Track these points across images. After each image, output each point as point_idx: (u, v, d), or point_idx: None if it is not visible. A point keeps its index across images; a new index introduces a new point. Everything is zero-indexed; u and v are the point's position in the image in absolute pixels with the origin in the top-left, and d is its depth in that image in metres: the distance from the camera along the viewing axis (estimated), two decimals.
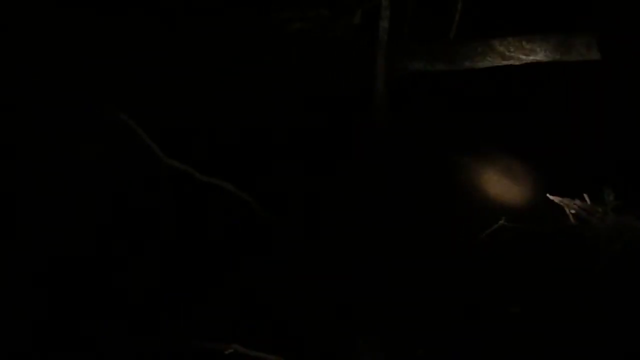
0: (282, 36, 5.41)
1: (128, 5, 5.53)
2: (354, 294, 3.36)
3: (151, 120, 4.84)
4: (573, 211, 3.96)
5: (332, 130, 5.15)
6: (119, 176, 4.25)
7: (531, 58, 5.76)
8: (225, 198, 4.18)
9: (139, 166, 4.40)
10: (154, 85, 5.14)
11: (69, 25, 5.08)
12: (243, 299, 3.37)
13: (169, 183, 4.20)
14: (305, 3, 5.47)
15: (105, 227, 3.84)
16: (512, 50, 5.74)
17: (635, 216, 3.84)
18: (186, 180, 4.27)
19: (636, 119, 5.47)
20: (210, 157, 4.63)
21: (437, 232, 3.83)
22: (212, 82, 5.25)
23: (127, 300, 3.36)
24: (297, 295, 3.42)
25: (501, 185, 4.45)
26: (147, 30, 5.42)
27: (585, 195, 4.04)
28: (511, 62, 5.86)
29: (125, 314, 3.28)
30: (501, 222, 3.77)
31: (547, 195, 4.10)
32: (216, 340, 3.07)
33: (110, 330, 3.15)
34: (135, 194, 4.14)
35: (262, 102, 5.15)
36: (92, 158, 4.42)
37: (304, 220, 3.99)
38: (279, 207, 4.13)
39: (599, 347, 3.23)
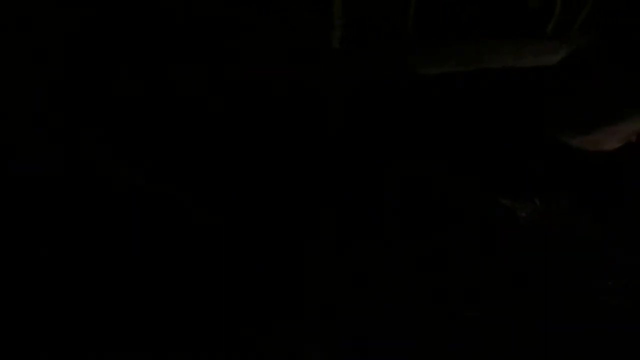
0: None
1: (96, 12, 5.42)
2: (303, 298, 3.31)
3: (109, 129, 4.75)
4: (524, 214, 4.00)
5: (290, 138, 5.13)
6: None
7: (483, 64, 5.87)
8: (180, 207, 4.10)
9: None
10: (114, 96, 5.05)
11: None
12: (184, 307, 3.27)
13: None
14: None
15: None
16: (465, 55, 5.83)
17: (588, 218, 3.90)
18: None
19: (586, 123, 5.62)
20: (170, 163, 4.56)
21: (389, 238, 3.82)
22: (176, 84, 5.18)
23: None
24: (245, 299, 3.34)
25: (452, 189, 4.47)
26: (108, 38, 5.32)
27: (537, 199, 4.09)
28: (469, 67, 5.95)
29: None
30: (453, 227, 3.77)
31: (499, 198, 4.15)
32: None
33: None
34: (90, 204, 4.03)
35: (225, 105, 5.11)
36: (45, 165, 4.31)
37: (260, 229, 3.91)
38: (239, 216, 4.06)
39: (557, 350, 3.25)
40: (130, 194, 4.07)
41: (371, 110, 5.74)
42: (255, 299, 3.27)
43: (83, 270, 3.30)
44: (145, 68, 5.26)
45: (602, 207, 4.01)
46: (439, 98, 5.81)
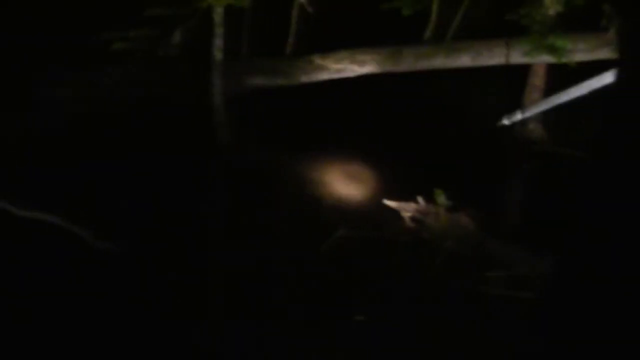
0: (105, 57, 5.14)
1: None
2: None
3: None
4: (409, 214, 4.08)
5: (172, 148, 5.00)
6: None
7: (364, 70, 5.99)
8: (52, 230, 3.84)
9: None
10: None
11: None
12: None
13: None
14: (125, 24, 5.22)
15: None
16: (346, 63, 5.92)
17: (465, 214, 4.03)
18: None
19: (465, 123, 5.89)
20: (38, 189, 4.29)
21: (278, 242, 3.80)
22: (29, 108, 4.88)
23: None
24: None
25: (339, 194, 4.51)
26: None
27: (420, 198, 4.19)
28: (346, 74, 6.04)
29: None
30: (341, 231, 3.77)
31: (384, 200, 4.22)
32: None
33: None
34: None
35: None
36: None
37: (137, 248, 3.72)
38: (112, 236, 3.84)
39: (444, 346, 3.30)
40: None
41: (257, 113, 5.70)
42: None
43: None
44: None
45: (480, 202, 4.17)
46: (322, 102, 5.87)
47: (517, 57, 5.63)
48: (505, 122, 5.62)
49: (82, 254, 3.72)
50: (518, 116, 5.59)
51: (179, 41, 5.34)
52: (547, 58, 5.56)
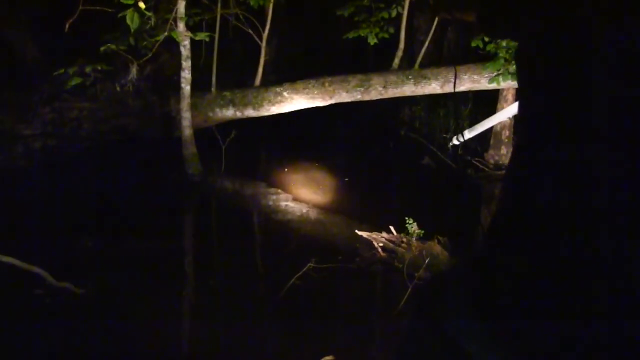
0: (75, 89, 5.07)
1: None
2: None
3: None
4: (381, 244, 4.04)
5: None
6: None
7: (334, 98, 5.99)
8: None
9: None
10: None
11: None
12: None
13: None
14: (86, 60, 5.18)
15: None
16: (316, 92, 5.93)
17: (436, 242, 4.00)
18: None
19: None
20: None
21: (248, 272, 3.72)
22: None
23: None
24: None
25: (310, 223, 4.46)
26: None
27: (392, 227, 4.15)
28: (316, 103, 6.04)
29: None
30: (310, 264, 3.70)
31: (356, 231, 4.17)
32: None
33: None
34: None
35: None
36: None
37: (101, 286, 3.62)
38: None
39: None
40: None
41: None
42: None
43: None
44: None
45: None
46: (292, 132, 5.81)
47: (485, 83, 5.70)
48: (455, 142, 5.70)
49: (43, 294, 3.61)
50: (466, 135, 5.67)
51: (135, 76, 5.29)
52: (514, 83, 5.64)
